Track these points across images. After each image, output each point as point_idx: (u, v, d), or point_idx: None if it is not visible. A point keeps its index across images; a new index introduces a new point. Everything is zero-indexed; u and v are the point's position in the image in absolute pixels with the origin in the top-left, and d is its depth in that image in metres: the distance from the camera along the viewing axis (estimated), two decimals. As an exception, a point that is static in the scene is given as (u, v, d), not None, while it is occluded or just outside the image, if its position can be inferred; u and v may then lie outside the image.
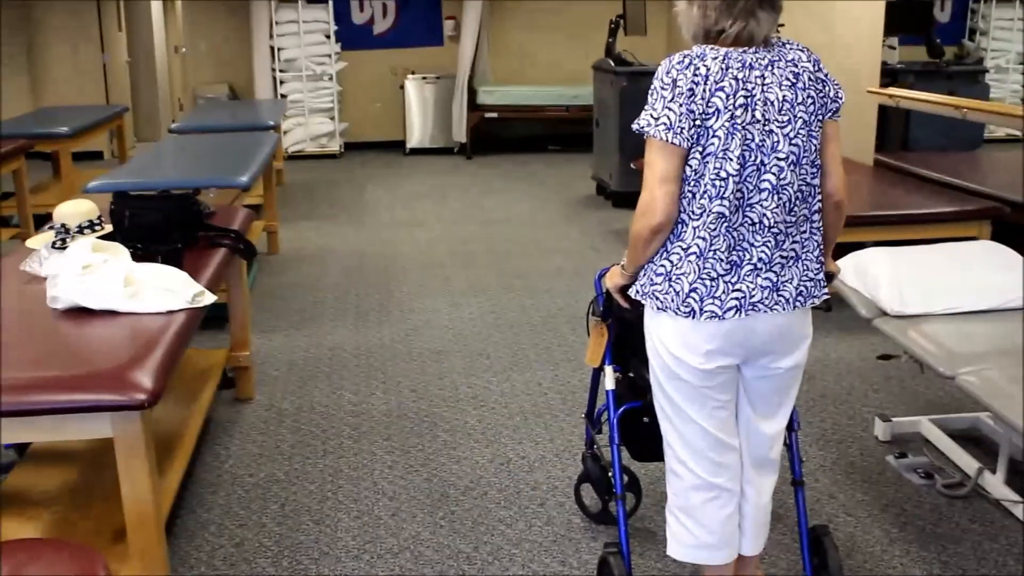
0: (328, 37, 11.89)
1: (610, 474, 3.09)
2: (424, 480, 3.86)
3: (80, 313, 3.09)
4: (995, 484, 3.66)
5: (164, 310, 3.11)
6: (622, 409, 2.98)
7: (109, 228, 3.78)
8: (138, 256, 3.56)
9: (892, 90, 7.10)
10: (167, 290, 3.19)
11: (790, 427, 2.84)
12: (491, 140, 12.34)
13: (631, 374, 3.08)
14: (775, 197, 2.41)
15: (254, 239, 6.14)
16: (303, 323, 5.78)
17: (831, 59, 7.60)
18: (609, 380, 3.01)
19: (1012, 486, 3.65)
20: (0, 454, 3.85)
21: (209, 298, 3.29)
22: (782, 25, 2.61)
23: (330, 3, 11.80)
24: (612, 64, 8.82)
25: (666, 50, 11.78)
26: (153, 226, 3.81)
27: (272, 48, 11.78)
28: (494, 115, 11.88)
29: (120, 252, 3.46)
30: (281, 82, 11.87)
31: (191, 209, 4.09)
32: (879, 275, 3.93)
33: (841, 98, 2.51)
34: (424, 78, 12.01)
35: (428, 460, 4.02)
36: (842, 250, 4.30)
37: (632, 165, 7.70)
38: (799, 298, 2.51)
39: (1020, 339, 3.58)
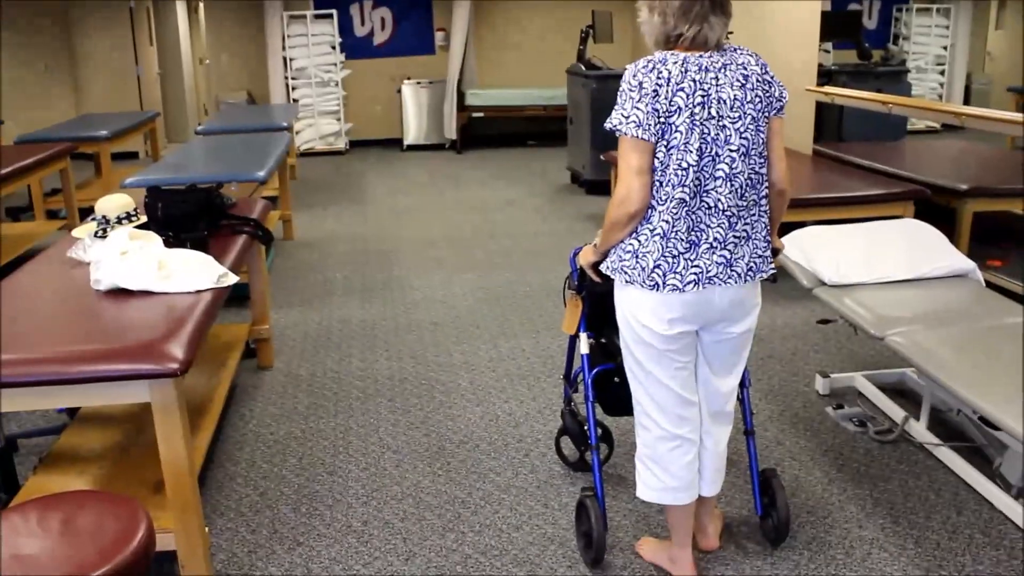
0: (334, 48, 11.81)
1: (585, 428, 3.10)
2: (423, 435, 3.85)
3: (120, 293, 3.07)
4: (919, 430, 3.68)
5: (193, 290, 3.09)
6: (596, 370, 3.01)
7: (144, 219, 3.75)
8: (169, 243, 3.53)
9: (827, 88, 7.09)
10: (195, 272, 3.17)
11: (742, 384, 2.89)
12: (478, 137, 12.29)
13: (603, 340, 3.09)
14: (728, 184, 2.43)
15: (271, 227, 6.11)
16: (315, 299, 5.76)
17: (774, 62, 7.59)
18: (584, 345, 3.03)
19: (933, 431, 3.67)
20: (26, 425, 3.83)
21: (232, 279, 3.27)
22: (731, 32, 2.59)
23: (335, 18, 11.72)
24: (584, 68, 8.78)
25: (631, 56, 11.75)
26: (182, 216, 3.79)
27: (285, 58, 11.69)
28: (480, 114, 11.83)
29: (154, 239, 3.43)
30: (293, 88, 11.78)
31: (215, 201, 4.07)
32: (818, 250, 3.94)
33: (785, 98, 2.51)
34: (419, 83, 11.94)
35: (427, 418, 4.02)
36: (786, 228, 4.31)
37: (602, 157, 7.67)
38: (749, 273, 2.53)
39: (940, 304, 3.59)
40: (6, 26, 10.90)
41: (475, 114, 11.81)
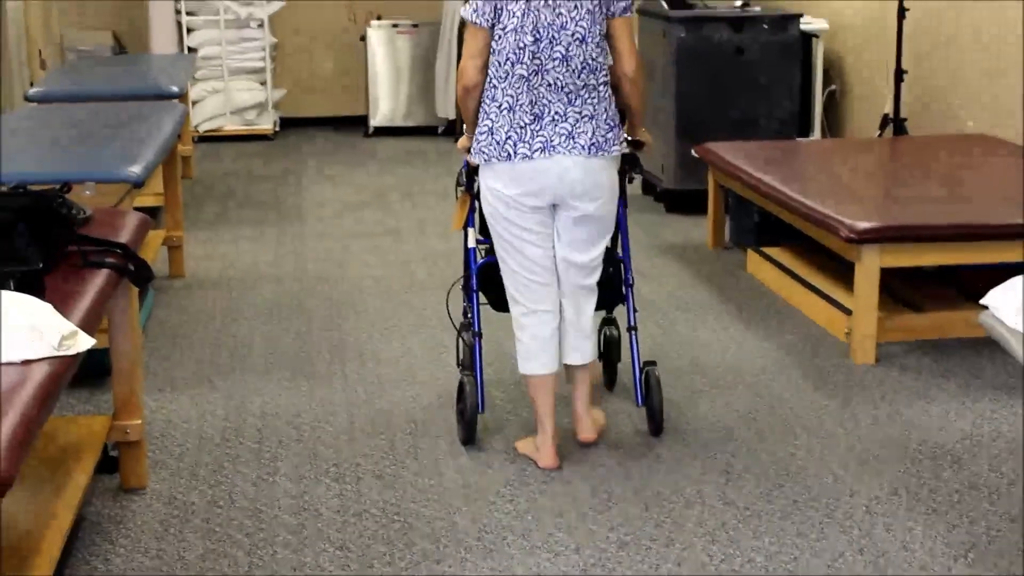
0: (257, -34, 11.93)
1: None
2: (393, 606, 3.85)
3: None
4: None
5: (18, 360, 3.10)
6: (482, 262, 4.98)
7: (-61, 240, 3.78)
8: (-19, 281, 3.55)
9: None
10: (21, 330, 3.18)
11: (625, 283, 5.04)
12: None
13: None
14: (565, 65, 4.45)
15: (149, 256, 6.14)
16: (219, 377, 5.77)
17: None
18: (470, 239, 5.01)
19: None
20: None
21: (84, 342, 3.28)
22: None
23: (260, -82, 11.85)
24: (665, 6, 8.80)
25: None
26: (1, 237, 3.81)
27: (177, -18, 11.81)
28: (495, 78, 11.87)
29: (-46, 275, 3.46)
30: (189, 30, 11.88)
31: (57, 213, 4.09)
32: (1053, 311, 3.91)
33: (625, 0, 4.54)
34: (395, 26, 12.01)
35: (399, 577, 4.01)
36: (997, 275, 4.29)
37: (694, 152, 7.64)
38: (592, 147, 4.50)
39: None
40: None
41: (486, 77, 11.85)
